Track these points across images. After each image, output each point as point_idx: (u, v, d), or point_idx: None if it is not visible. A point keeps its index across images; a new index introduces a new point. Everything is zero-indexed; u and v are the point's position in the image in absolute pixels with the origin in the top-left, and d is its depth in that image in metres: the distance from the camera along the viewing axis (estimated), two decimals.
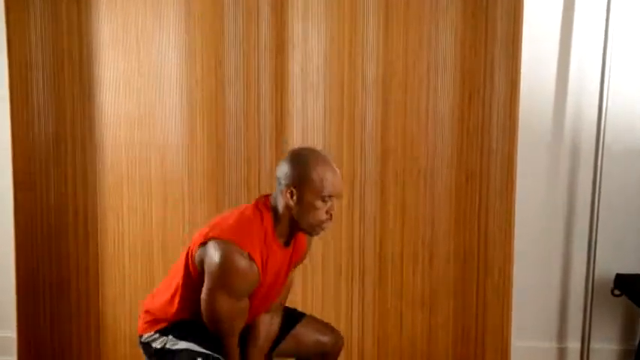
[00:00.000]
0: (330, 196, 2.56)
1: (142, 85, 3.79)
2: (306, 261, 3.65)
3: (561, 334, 4.08)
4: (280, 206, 2.59)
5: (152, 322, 2.74)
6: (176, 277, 2.70)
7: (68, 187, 3.89)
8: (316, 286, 3.85)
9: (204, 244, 2.54)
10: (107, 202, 3.88)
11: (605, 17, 3.76)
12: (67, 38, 3.79)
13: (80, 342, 3.97)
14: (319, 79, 3.70)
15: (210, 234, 2.54)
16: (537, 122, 3.87)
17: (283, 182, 2.57)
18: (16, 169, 3.83)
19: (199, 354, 2.61)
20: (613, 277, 3.90)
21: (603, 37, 3.78)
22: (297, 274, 3.76)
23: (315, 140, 3.71)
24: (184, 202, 3.83)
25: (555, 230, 3.99)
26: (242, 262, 2.47)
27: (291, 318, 3.01)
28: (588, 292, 3.95)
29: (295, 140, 3.72)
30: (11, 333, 3.99)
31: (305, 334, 2.99)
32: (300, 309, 3.63)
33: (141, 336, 2.76)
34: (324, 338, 3.02)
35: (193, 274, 2.62)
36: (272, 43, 3.69)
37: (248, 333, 2.82)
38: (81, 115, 3.83)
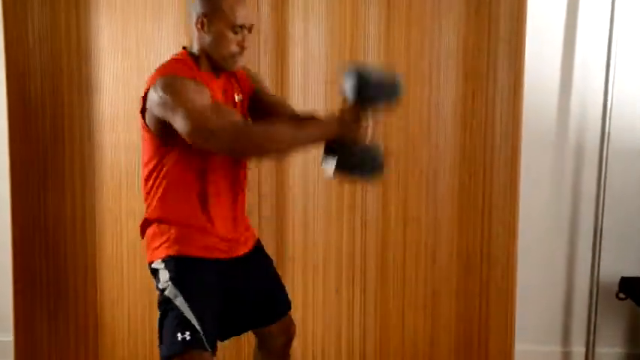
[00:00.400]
0: (241, 27, 2.55)
1: (141, 89, 3.64)
2: (308, 261, 3.75)
3: (565, 338, 4.06)
4: (195, 44, 2.61)
5: (157, 248, 2.67)
6: (145, 153, 2.67)
7: (66, 189, 3.87)
8: (317, 291, 3.83)
9: (146, 94, 2.53)
10: (105, 204, 3.86)
11: (609, 14, 3.76)
12: (65, 40, 3.79)
13: (78, 345, 3.95)
14: (320, 77, 3.69)
15: (144, 90, 2.54)
16: (541, 121, 3.86)
17: (194, 13, 2.57)
18: (14, 170, 3.82)
19: (187, 326, 2.53)
20: (618, 280, 3.88)
21: (608, 34, 3.77)
22: (298, 276, 3.80)
23: None
24: None
25: (559, 231, 3.97)
26: (181, 77, 2.48)
27: (275, 308, 2.97)
28: (593, 295, 3.93)
29: None
30: (8, 336, 3.97)
31: (277, 335, 2.99)
32: (300, 312, 3.65)
33: (150, 262, 2.71)
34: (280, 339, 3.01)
35: (156, 132, 2.57)
36: (272, 41, 3.68)
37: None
38: (79, 117, 3.82)
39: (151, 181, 2.66)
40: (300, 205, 3.79)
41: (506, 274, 3.75)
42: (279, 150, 2.54)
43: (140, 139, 2.69)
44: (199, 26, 2.58)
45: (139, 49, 3.75)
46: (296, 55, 3.70)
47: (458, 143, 3.71)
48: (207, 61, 2.63)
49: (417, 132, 3.71)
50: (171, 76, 2.49)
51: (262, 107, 2.84)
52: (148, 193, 2.69)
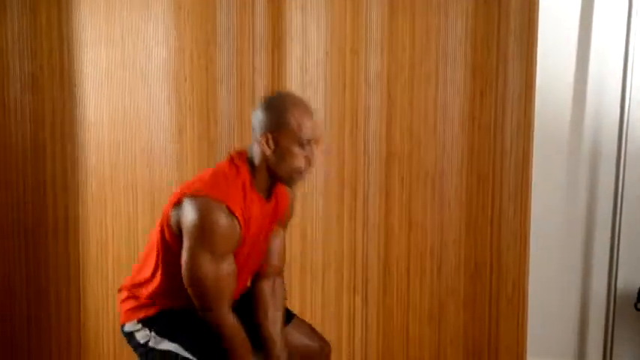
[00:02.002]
0: (308, 141, 2.52)
1: (127, 83, 3.77)
2: (306, 270, 3.73)
3: (581, 352, 4.00)
4: (257, 156, 2.56)
5: (134, 309, 2.67)
6: (153, 248, 2.64)
7: (47, 193, 3.86)
8: (316, 298, 3.80)
9: (178, 203, 2.48)
10: (89, 208, 3.85)
11: (627, 5, 3.69)
12: (46, 33, 3.77)
13: (60, 357, 3.95)
14: (319, 75, 3.66)
15: (185, 191, 2.47)
16: (554, 121, 3.80)
17: (258, 130, 2.53)
18: None
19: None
20: (636, 290, 3.83)
21: (625, 28, 3.70)
22: (295, 285, 3.76)
23: None
24: None
25: (574, 239, 3.91)
26: (222, 216, 2.41)
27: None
28: (610, 306, 3.88)
29: None
30: None
31: (294, 335, 2.93)
32: None
33: (123, 325, 2.69)
34: (313, 343, 2.97)
35: (170, 241, 2.54)
36: (268, 37, 3.65)
37: (252, 309, 2.79)
38: (61, 116, 3.81)
39: (151, 268, 2.64)
40: (297, 209, 3.70)
41: (517, 283, 3.69)
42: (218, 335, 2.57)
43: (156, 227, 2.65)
44: (264, 142, 2.51)
45: (124, 40, 3.72)
46: (293, 52, 3.66)
47: (465, 144, 3.65)
48: (267, 176, 2.58)
49: (422, 132, 3.66)
50: (215, 210, 2.42)
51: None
52: (144, 274, 2.67)
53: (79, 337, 3.92)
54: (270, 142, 2.50)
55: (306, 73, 3.66)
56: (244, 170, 2.56)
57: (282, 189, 2.73)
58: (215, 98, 3.70)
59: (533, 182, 3.63)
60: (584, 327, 3.99)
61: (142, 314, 2.64)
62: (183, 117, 3.73)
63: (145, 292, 2.65)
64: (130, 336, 2.66)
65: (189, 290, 2.49)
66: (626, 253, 3.87)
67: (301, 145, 2.51)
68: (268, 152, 2.52)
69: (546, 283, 3.92)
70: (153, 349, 2.58)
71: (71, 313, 3.91)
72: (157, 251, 2.61)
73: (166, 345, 2.56)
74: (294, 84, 3.66)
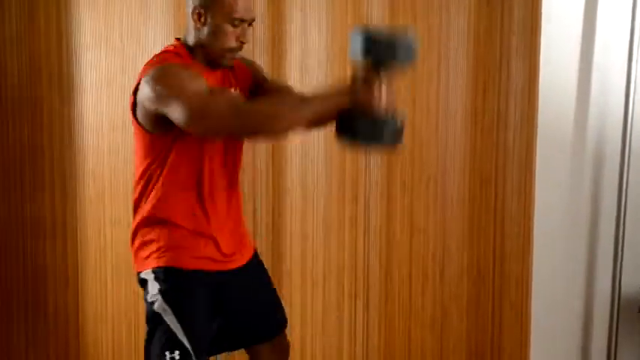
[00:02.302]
0: (241, 20, 2.51)
1: (127, 86, 3.70)
2: (306, 276, 3.71)
3: (585, 356, 3.96)
4: (190, 35, 2.57)
5: (146, 257, 2.62)
6: (139, 150, 2.62)
7: (45, 198, 3.86)
8: (316, 304, 3.78)
9: (137, 87, 2.49)
10: (88, 213, 3.85)
11: (632, 1, 3.70)
12: (44, 36, 3.78)
13: None
14: (319, 76, 3.65)
15: (134, 85, 2.50)
16: (557, 119, 3.77)
17: (191, 3, 2.52)
18: None
19: (176, 345, 2.51)
20: None
21: (630, 25, 3.71)
22: (296, 291, 3.75)
23: (315, 144, 3.67)
24: None
25: (578, 242, 3.88)
26: (171, 64, 2.46)
27: (270, 325, 2.92)
28: (614, 309, 3.86)
29: (293, 146, 3.67)
30: None
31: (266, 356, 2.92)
32: (298, 330, 3.63)
33: (139, 272, 2.65)
34: None
35: (149, 129, 2.53)
36: (267, 38, 3.66)
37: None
38: (59, 119, 3.81)
39: (143, 181, 2.61)
40: (298, 213, 3.75)
41: (520, 289, 3.68)
42: (283, 127, 2.44)
43: (134, 141, 2.64)
44: (196, 17, 2.52)
45: (124, 44, 3.72)
46: (293, 53, 3.66)
47: (468, 143, 3.65)
48: (203, 55, 2.58)
49: (424, 131, 3.65)
50: (164, 66, 2.46)
51: (264, 94, 2.79)
52: (140, 195, 2.64)
53: (77, 343, 3.90)
54: (202, 17, 2.51)
55: (307, 75, 3.66)
56: (180, 48, 2.59)
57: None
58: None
59: (536, 183, 3.63)
60: (588, 331, 3.95)
61: (153, 264, 2.59)
62: None
63: (149, 206, 2.60)
64: (143, 283, 2.62)
65: (206, 128, 2.41)
66: (630, 256, 3.85)
67: (234, 23, 2.50)
68: (199, 26, 2.52)
69: (550, 287, 3.88)
70: (156, 316, 2.54)
71: (69, 318, 3.89)
72: (141, 145, 2.59)
73: (169, 318, 2.52)
74: (294, 86, 3.61)
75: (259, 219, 3.73)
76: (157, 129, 2.51)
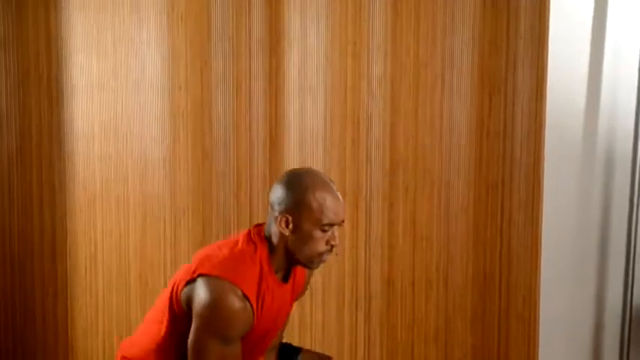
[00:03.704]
0: (330, 225, 2.45)
1: (119, 91, 3.77)
2: None
3: None
4: (275, 236, 2.49)
5: None
6: (159, 320, 2.58)
7: (34, 207, 3.85)
8: (316, 315, 3.78)
9: (191, 281, 2.44)
10: (78, 223, 3.84)
11: None
12: (33, 38, 3.77)
13: None
14: (319, 80, 3.65)
15: (199, 270, 2.41)
16: (566, 128, 3.77)
17: (277, 208, 2.46)
18: None
19: None
20: None
21: None
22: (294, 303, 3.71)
23: (314, 150, 3.67)
24: (166, 223, 3.79)
25: (588, 251, 3.87)
26: (235, 302, 2.36)
27: (287, 355, 2.91)
28: (625, 321, 3.86)
29: (292, 151, 3.68)
30: None
31: None
32: (297, 343, 3.61)
33: None
34: None
35: (179, 316, 2.49)
36: (265, 40, 3.66)
37: None
38: (48, 126, 3.81)
39: (154, 340, 2.59)
40: None
41: (528, 299, 3.67)
42: None
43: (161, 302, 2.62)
44: (283, 225, 2.45)
45: (115, 47, 3.72)
46: (292, 57, 3.66)
47: (473, 152, 3.64)
48: (285, 258, 2.52)
49: (428, 140, 3.64)
50: (228, 296, 2.37)
51: None
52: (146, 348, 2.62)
53: (67, 357, 3.89)
54: (290, 224, 2.44)
55: (306, 79, 3.65)
56: (262, 249, 2.50)
57: (299, 268, 2.65)
58: (210, 106, 3.69)
59: (544, 191, 3.61)
60: (599, 344, 3.95)
61: None
62: (177, 126, 3.72)
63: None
64: None
65: None
66: None
67: (323, 228, 2.45)
68: (287, 234, 2.45)
69: (559, 299, 3.86)
70: None
71: (59, 334, 3.88)
72: (164, 323, 2.55)
73: None
74: (292, 90, 3.65)
75: None
76: (183, 320, 2.48)
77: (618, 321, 3.91)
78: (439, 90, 3.62)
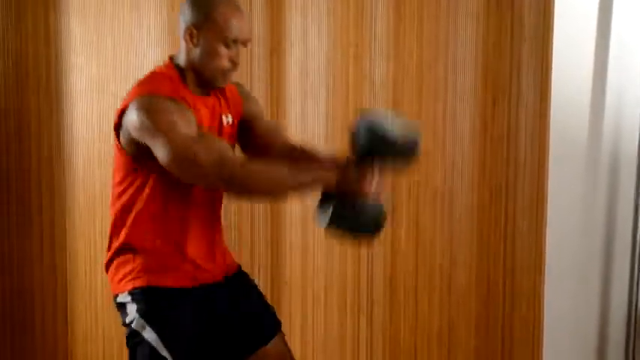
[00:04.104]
0: (234, 41, 2.51)
1: (119, 94, 3.71)
2: (307, 290, 3.71)
3: None
4: (182, 55, 2.57)
5: (123, 279, 2.60)
6: (118, 183, 2.60)
7: (33, 211, 3.85)
8: (317, 320, 3.77)
9: (120, 115, 2.48)
10: (78, 226, 3.84)
11: None
12: (31, 39, 3.77)
13: None
14: (320, 82, 3.65)
15: (120, 106, 2.49)
16: (571, 131, 3.75)
17: (182, 22, 2.53)
18: None
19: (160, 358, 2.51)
20: None
21: None
22: (295, 306, 3.75)
23: None
24: None
25: (592, 255, 3.86)
26: (160, 98, 2.43)
27: (263, 329, 2.87)
28: (631, 326, 3.85)
29: None
30: None
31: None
32: (298, 348, 3.63)
33: (116, 296, 2.64)
34: None
35: (131, 154, 2.52)
36: (266, 40, 3.66)
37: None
38: (47, 129, 3.81)
39: (118, 204, 2.60)
40: (298, 224, 3.75)
41: (532, 304, 3.67)
42: (269, 193, 2.57)
43: (113, 160, 2.62)
44: (188, 37, 2.52)
45: (115, 48, 3.71)
46: (293, 57, 3.66)
47: (477, 156, 3.63)
48: (195, 76, 2.57)
49: (431, 144, 3.63)
50: (152, 96, 2.43)
51: (253, 134, 2.81)
52: (115, 219, 2.63)
53: None
54: (194, 38, 2.51)
55: (307, 80, 3.65)
56: (171, 68, 2.57)
57: (228, 86, 2.70)
58: None
59: (548, 195, 3.61)
60: (604, 349, 3.94)
61: (129, 285, 2.58)
62: None
63: (123, 231, 2.60)
64: (121, 307, 2.62)
65: (190, 178, 2.45)
66: None
67: (227, 44, 2.50)
68: (191, 47, 2.52)
69: (563, 304, 3.85)
70: (134, 334, 2.54)
71: (58, 338, 3.88)
72: (120, 172, 2.58)
73: (147, 333, 2.52)
74: (293, 91, 3.65)
75: (257, 230, 3.72)
76: (138, 157, 2.50)
77: (623, 325, 3.90)
78: (442, 93, 3.62)
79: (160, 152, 2.37)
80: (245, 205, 3.69)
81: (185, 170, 2.39)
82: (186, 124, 2.40)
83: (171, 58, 2.62)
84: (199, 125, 2.49)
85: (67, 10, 3.71)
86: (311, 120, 3.65)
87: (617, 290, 3.89)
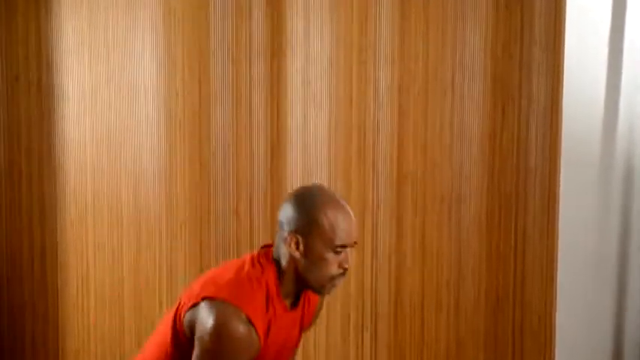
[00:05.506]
0: (343, 247, 2.43)
1: (112, 99, 3.79)
2: None
3: None
4: (283, 258, 2.48)
5: None
6: (161, 345, 2.57)
7: (23, 221, 3.88)
8: (320, 335, 3.78)
9: (195, 305, 2.43)
10: (69, 237, 3.86)
11: None
12: (22, 41, 3.81)
13: None
14: (322, 88, 3.65)
15: (203, 293, 2.41)
16: (583, 137, 3.74)
17: (286, 228, 2.44)
18: None
19: None
20: None
21: None
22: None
23: (318, 161, 3.67)
24: (161, 237, 3.80)
25: (606, 269, 3.86)
26: (240, 328, 2.34)
27: None
28: None
29: (295, 162, 3.67)
30: None
31: None
32: None
33: None
34: None
35: (182, 342, 2.48)
36: (267, 45, 3.67)
37: None
38: (38, 135, 3.84)
39: None
40: None
41: (543, 320, 3.63)
42: None
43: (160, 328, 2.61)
44: (293, 246, 2.44)
45: (109, 51, 3.73)
46: (295, 63, 3.67)
47: (485, 164, 3.63)
48: (294, 281, 2.50)
49: (437, 151, 3.64)
50: (232, 320, 2.36)
51: None
52: None
53: None
54: (300, 245, 2.43)
55: (309, 86, 3.65)
56: (269, 273, 2.48)
57: (310, 293, 2.62)
58: (208, 115, 3.70)
59: (560, 204, 3.58)
60: None
61: None
62: (173, 135, 3.73)
63: None
64: None
65: None
66: None
67: (335, 250, 2.43)
68: (297, 255, 2.44)
69: (575, 319, 3.83)
70: None
71: (49, 355, 3.89)
72: (167, 348, 2.54)
73: None
74: (295, 98, 3.66)
75: (258, 240, 3.71)
76: (188, 345, 2.46)
77: (638, 339, 3.92)
78: (449, 98, 3.62)
79: None
80: (243, 216, 3.71)
81: None
82: None
83: (271, 253, 2.55)
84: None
85: (60, 9, 3.74)
86: (313, 127, 3.67)
87: (632, 300, 3.91)
